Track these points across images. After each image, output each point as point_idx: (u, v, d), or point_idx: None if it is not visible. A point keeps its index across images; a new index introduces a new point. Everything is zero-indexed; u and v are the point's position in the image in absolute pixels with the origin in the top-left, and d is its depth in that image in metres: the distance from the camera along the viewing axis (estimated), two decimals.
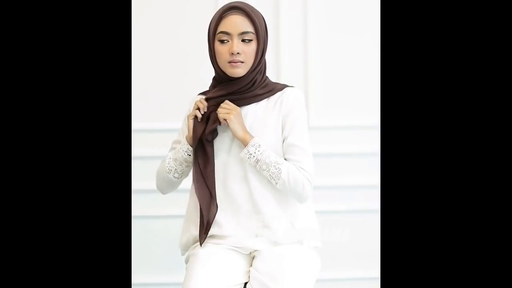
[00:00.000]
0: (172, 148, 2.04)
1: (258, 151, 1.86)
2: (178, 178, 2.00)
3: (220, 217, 1.92)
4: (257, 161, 1.86)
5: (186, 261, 1.99)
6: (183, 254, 2.05)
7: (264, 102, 1.95)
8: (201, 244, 1.92)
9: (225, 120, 1.88)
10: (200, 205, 1.92)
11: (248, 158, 1.87)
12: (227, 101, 1.91)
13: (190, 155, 1.95)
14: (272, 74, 2.73)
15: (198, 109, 1.92)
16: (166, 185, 2.04)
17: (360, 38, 2.86)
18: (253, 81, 1.92)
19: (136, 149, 2.73)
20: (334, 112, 2.87)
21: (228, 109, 1.89)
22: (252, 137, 1.88)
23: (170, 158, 1.99)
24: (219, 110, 1.90)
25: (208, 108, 1.93)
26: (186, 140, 1.95)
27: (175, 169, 1.98)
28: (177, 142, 2.04)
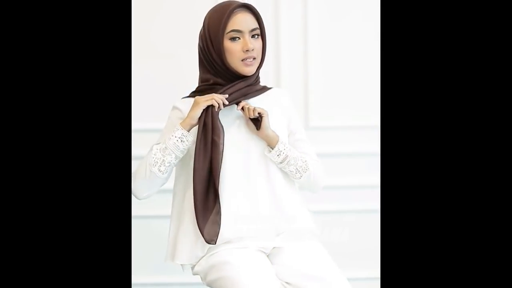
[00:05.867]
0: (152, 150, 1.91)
1: (287, 147, 1.91)
2: (163, 173, 1.87)
3: (242, 219, 1.88)
4: (286, 157, 1.90)
5: (202, 274, 1.89)
6: (186, 269, 1.96)
7: (262, 97, 1.97)
8: (211, 242, 1.83)
9: (259, 114, 1.87)
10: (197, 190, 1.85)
11: (278, 155, 1.89)
12: (247, 102, 1.91)
13: (183, 142, 1.85)
14: (272, 74, 2.74)
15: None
16: (147, 183, 1.88)
17: (360, 38, 2.86)
18: (258, 77, 1.97)
19: (136, 149, 2.72)
20: (334, 112, 2.87)
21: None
22: (278, 135, 1.91)
23: (157, 149, 1.86)
24: (253, 106, 1.88)
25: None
26: (181, 125, 1.86)
27: (163, 160, 1.85)
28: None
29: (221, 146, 1.85)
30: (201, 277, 1.93)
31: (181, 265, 1.95)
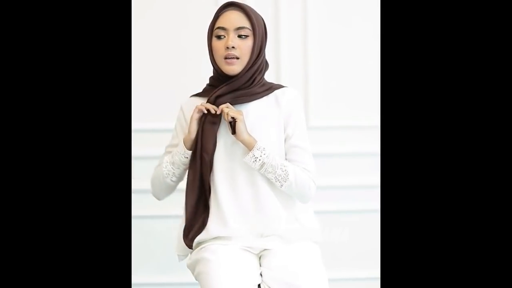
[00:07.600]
0: (168, 152, 2.02)
1: (264, 154, 1.85)
2: (175, 182, 1.99)
3: (227, 217, 1.89)
4: (263, 164, 1.85)
5: (191, 267, 1.95)
6: (181, 260, 2.02)
7: (264, 100, 1.94)
8: (190, 247, 1.92)
9: (233, 118, 1.85)
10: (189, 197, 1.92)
11: (254, 161, 1.85)
12: (228, 104, 1.89)
13: (187, 158, 1.93)
14: (272, 74, 2.74)
15: (208, 111, 1.88)
16: (164, 190, 2.02)
17: (360, 38, 2.87)
18: (252, 79, 1.91)
19: (136, 149, 2.73)
20: (334, 112, 2.87)
21: (234, 110, 1.87)
22: (256, 141, 1.86)
23: (167, 162, 1.96)
24: (228, 110, 1.86)
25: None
26: (184, 142, 1.93)
27: (173, 172, 1.96)
28: (172, 146, 2.01)
29: (208, 162, 1.90)
30: (191, 272, 1.97)
31: (178, 255, 2.02)
